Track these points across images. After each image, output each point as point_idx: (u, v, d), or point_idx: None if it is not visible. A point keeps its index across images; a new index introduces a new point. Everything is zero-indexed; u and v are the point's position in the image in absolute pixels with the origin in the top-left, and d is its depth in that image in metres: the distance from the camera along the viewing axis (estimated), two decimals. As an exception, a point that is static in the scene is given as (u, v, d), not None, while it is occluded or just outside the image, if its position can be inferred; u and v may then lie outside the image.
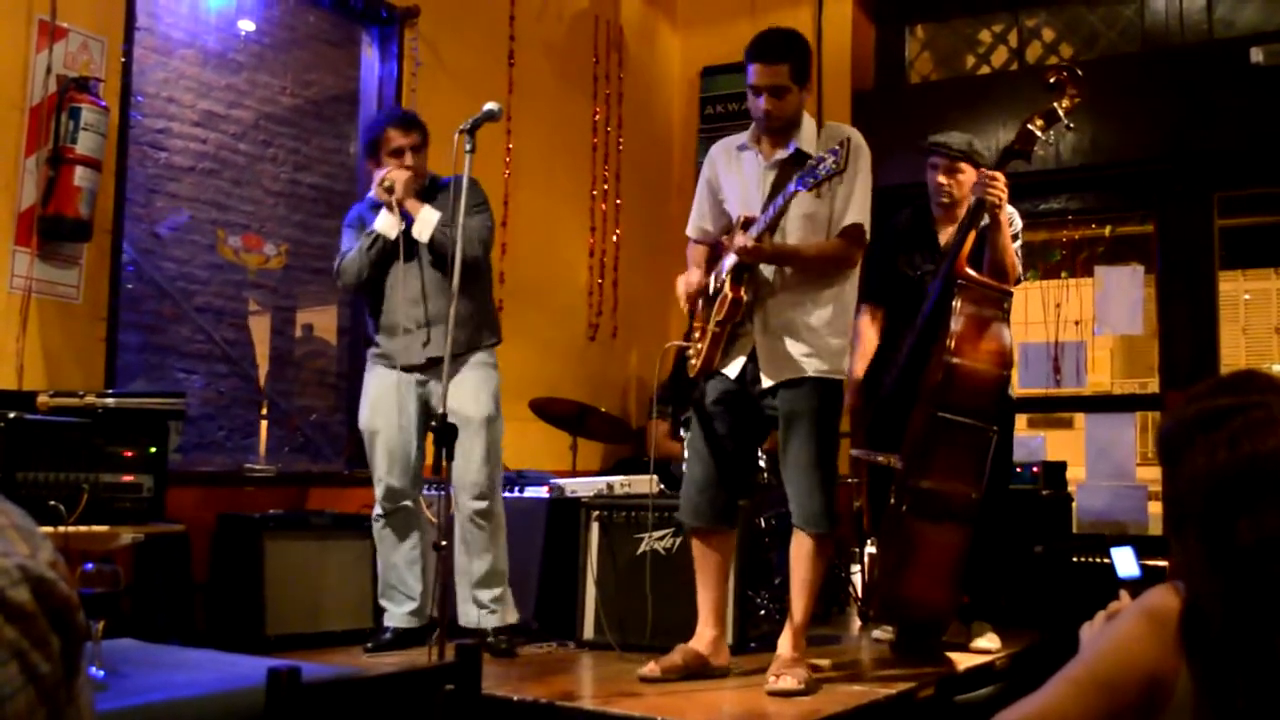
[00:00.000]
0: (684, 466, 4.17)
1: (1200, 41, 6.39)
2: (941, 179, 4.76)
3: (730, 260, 3.93)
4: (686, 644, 3.99)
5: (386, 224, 4.44)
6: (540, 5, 6.65)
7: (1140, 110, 6.31)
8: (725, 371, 3.99)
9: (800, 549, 3.92)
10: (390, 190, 4.42)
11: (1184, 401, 1.61)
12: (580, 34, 6.95)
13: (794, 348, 3.89)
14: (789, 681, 3.66)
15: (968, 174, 4.71)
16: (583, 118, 6.95)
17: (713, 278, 4.05)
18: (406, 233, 4.40)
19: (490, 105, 3.95)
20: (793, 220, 3.91)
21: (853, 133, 4.01)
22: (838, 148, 3.64)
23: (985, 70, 7.11)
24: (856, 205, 3.93)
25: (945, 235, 4.75)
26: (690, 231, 4.25)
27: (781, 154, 3.95)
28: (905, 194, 4.99)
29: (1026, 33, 7.01)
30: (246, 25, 5.42)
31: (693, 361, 4.06)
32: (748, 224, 3.90)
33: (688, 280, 4.07)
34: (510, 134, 6.22)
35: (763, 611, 4.73)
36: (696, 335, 4.05)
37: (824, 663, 4.30)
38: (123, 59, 4.65)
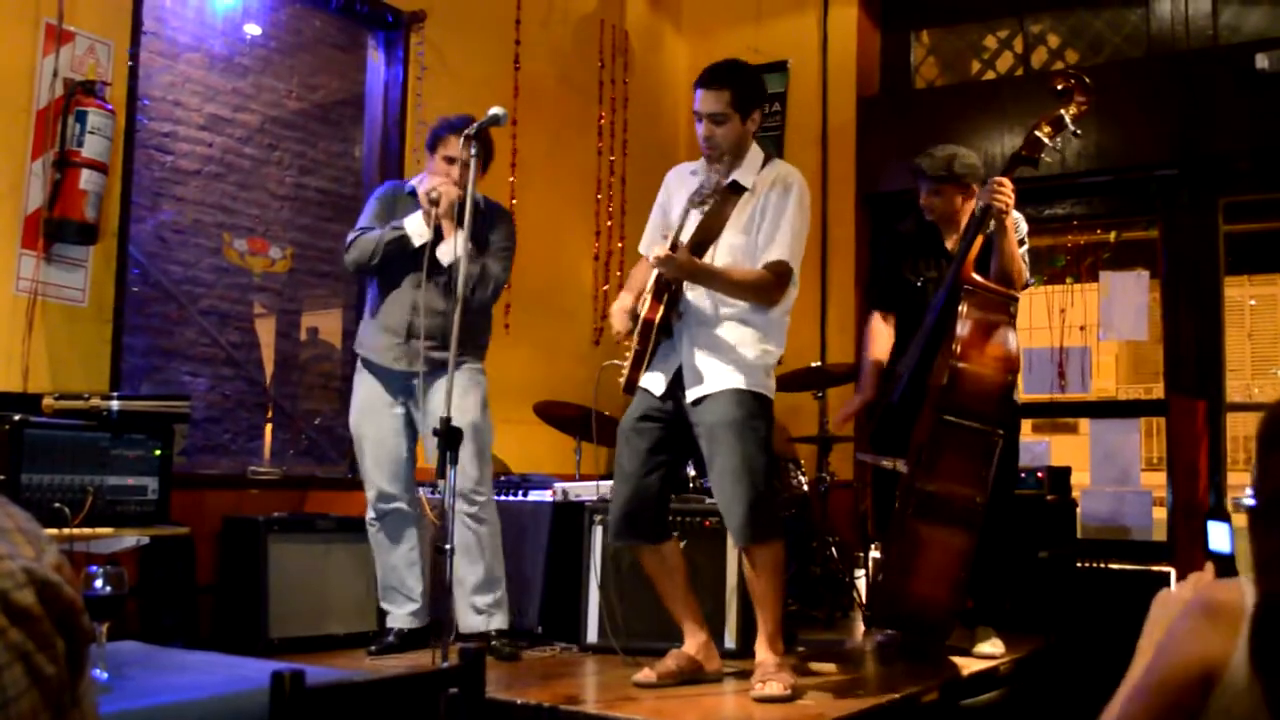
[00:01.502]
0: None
1: (1206, 47, 6.39)
2: (924, 200, 4.80)
3: (651, 277, 3.93)
4: (680, 649, 4.00)
5: (417, 229, 4.42)
6: (546, 10, 6.66)
7: (1145, 115, 6.30)
8: (649, 387, 3.97)
9: (746, 564, 3.91)
10: (435, 203, 4.40)
11: None
12: (586, 39, 6.96)
13: (715, 366, 3.87)
14: (774, 688, 3.65)
15: (953, 194, 4.73)
16: (588, 122, 6.96)
17: (640, 300, 4.03)
18: (432, 246, 4.39)
19: (495, 110, 3.95)
20: (721, 249, 3.91)
21: (792, 173, 4.02)
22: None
23: (990, 76, 7.11)
24: (781, 242, 3.88)
25: (951, 242, 4.76)
26: (642, 248, 4.23)
27: (724, 181, 3.97)
28: (909, 201, 4.99)
29: (1032, 38, 7.01)
30: (252, 29, 5.43)
31: (619, 379, 4.06)
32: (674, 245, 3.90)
33: (622, 306, 4.02)
34: (516, 138, 6.23)
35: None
36: (627, 354, 4.04)
37: (829, 667, 4.30)
38: (129, 63, 4.66)
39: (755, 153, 4.02)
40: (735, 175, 3.96)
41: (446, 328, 3.83)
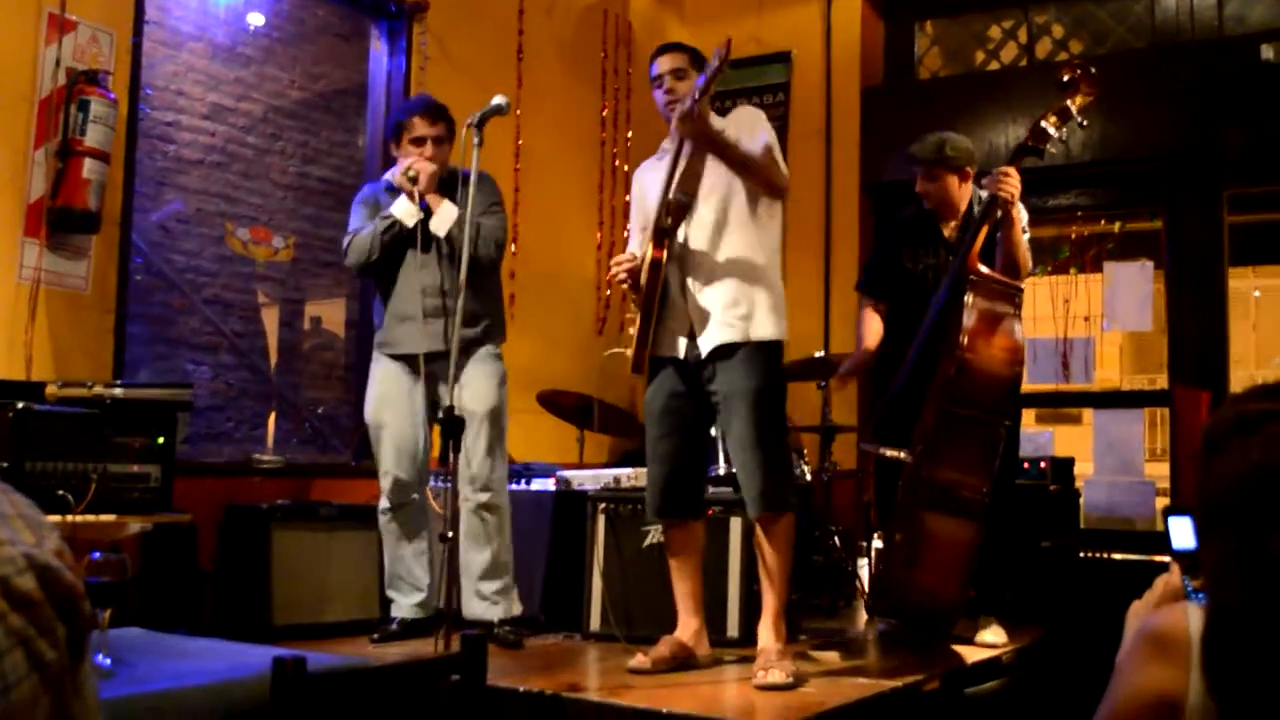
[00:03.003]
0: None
1: (1211, 38, 6.37)
2: (919, 187, 4.83)
3: (650, 224, 4.00)
4: (672, 635, 4.02)
5: (405, 211, 4.43)
6: (549, 0, 6.65)
7: (1150, 106, 6.29)
8: (670, 353, 4.00)
9: (758, 536, 3.92)
10: (414, 180, 4.42)
11: (1227, 403, 1.59)
12: (589, 29, 6.95)
13: (727, 305, 3.90)
14: (777, 675, 3.65)
15: (947, 177, 4.74)
16: (591, 112, 6.95)
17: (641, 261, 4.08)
18: (424, 224, 4.41)
19: (498, 99, 3.96)
20: (705, 188, 3.98)
21: (745, 106, 4.21)
22: (718, 57, 3.74)
23: (995, 66, 7.09)
24: (758, 134, 3.97)
25: (948, 229, 4.78)
26: (633, 250, 4.24)
27: (686, 149, 4.00)
28: (913, 191, 4.99)
29: (1036, 29, 6.99)
30: (255, 19, 5.43)
31: (627, 353, 4.09)
32: (677, 208, 3.95)
33: (622, 257, 4.11)
34: (519, 128, 6.22)
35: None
36: (631, 331, 4.07)
37: (832, 656, 4.31)
38: (132, 52, 4.66)
39: (714, 115, 4.08)
40: None
41: (464, 304, 3.85)
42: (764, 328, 3.92)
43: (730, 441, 3.93)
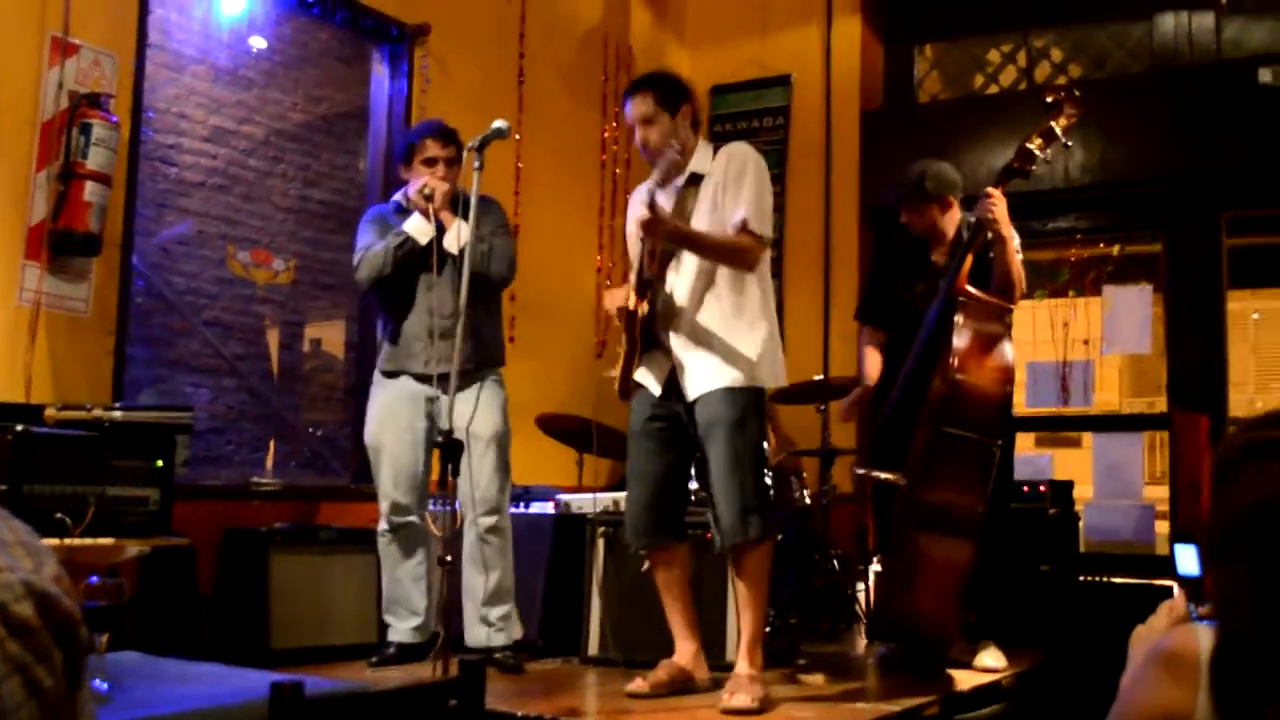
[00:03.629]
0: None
1: (1209, 61, 6.40)
2: (903, 218, 4.87)
3: (633, 275, 4.03)
4: (671, 659, 4.01)
5: (419, 228, 4.44)
6: (550, 24, 6.67)
7: (1149, 129, 6.31)
8: (649, 388, 4.02)
9: (733, 565, 3.93)
10: (429, 198, 4.43)
11: (1237, 429, 1.60)
12: (589, 53, 6.98)
13: (709, 361, 3.91)
14: (743, 699, 3.62)
15: (928, 208, 4.78)
16: (592, 136, 6.97)
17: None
18: (437, 242, 4.42)
19: (498, 123, 3.97)
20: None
21: (743, 148, 4.10)
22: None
23: (994, 90, 7.12)
24: (745, 202, 3.93)
25: (937, 254, 4.80)
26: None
27: (679, 180, 4.03)
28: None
29: (1035, 53, 7.02)
30: (258, 42, 5.45)
31: (614, 383, 4.12)
32: (662, 256, 3.96)
33: (613, 295, 4.14)
34: (519, 151, 6.24)
35: (768, 629, 4.71)
36: (619, 360, 4.11)
37: (817, 679, 4.29)
38: (134, 75, 4.68)
39: (704, 145, 4.08)
40: (690, 168, 4.02)
41: (467, 326, 3.85)
42: (749, 376, 3.92)
43: (708, 474, 3.91)
